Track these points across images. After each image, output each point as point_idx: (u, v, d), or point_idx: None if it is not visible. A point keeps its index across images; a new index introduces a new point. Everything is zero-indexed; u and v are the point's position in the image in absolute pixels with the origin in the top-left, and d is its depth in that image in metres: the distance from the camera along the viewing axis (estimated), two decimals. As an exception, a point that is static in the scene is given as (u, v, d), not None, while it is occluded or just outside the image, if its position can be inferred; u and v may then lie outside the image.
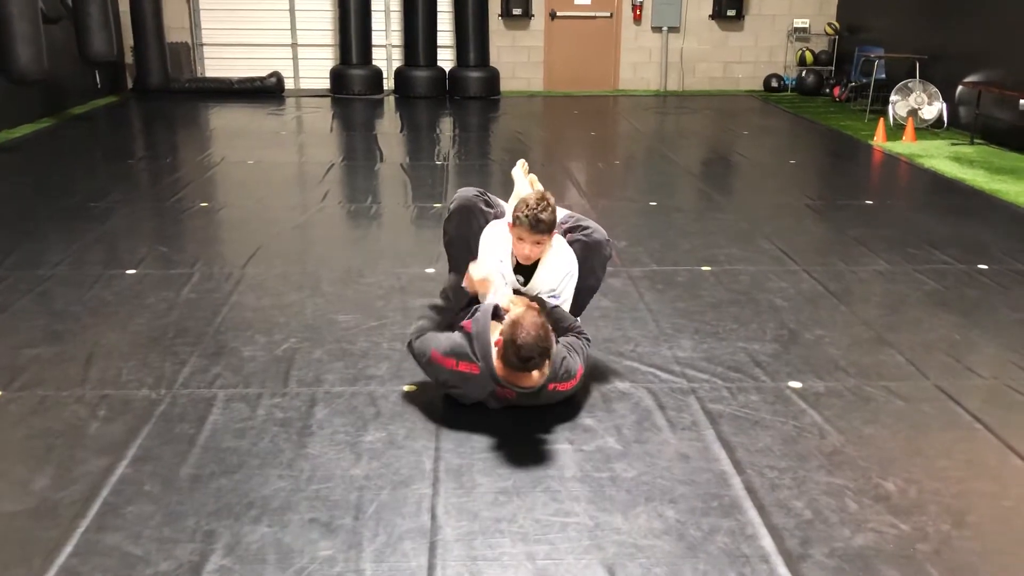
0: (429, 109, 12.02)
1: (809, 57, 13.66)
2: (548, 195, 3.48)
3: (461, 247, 3.74)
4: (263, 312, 4.50)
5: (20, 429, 3.33)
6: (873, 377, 3.82)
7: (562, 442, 3.26)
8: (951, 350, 4.10)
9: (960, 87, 10.06)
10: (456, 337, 3.30)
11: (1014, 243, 5.79)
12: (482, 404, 3.40)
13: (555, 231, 3.56)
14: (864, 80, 11.80)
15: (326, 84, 13.20)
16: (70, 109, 11.09)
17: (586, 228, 3.71)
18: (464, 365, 3.25)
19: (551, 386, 3.26)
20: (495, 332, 3.24)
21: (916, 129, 9.90)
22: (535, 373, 3.14)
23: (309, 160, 8.59)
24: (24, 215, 6.28)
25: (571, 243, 3.67)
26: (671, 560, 2.61)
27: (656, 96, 13.59)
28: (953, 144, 9.43)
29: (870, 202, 6.97)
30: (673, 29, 13.79)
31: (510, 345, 3.04)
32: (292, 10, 13.37)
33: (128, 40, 12.58)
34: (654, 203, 6.90)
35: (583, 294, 3.77)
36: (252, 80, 12.85)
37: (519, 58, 13.77)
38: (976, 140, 9.46)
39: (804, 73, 13.61)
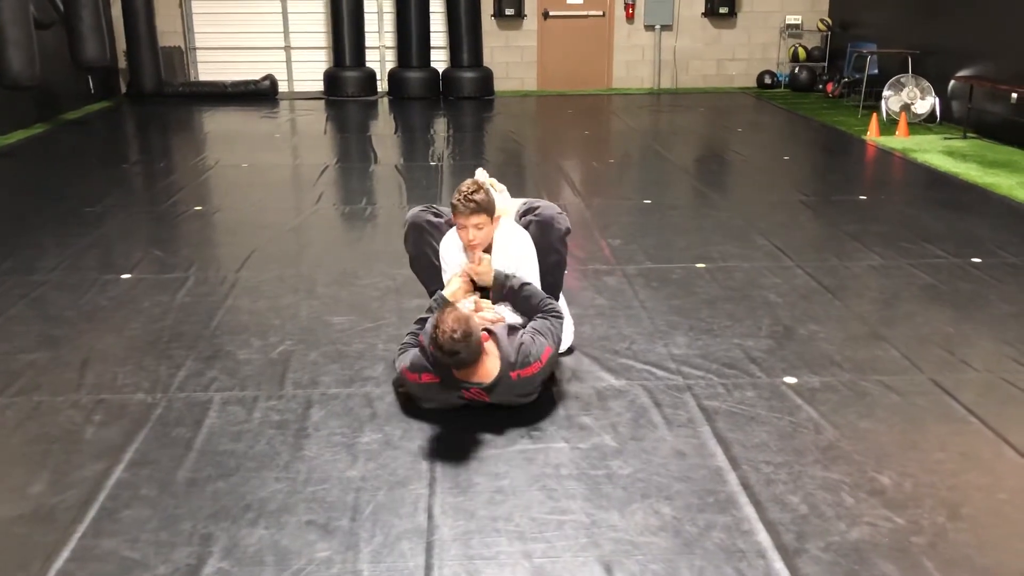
0: (423, 110, 12.02)
1: (802, 53, 13.67)
2: (480, 181, 3.59)
3: (423, 262, 3.89)
4: (258, 315, 4.50)
5: (16, 434, 3.33)
6: (868, 372, 3.83)
7: (558, 440, 3.26)
8: (945, 344, 4.11)
9: (952, 81, 10.08)
10: (416, 351, 3.36)
11: (1007, 236, 5.80)
12: (470, 406, 3.41)
13: (501, 217, 3.68)
14: (857, 76, 11.82)
15: (320, 86, 13.20)
16: (63, 114, 11.09)
17: (536, 208, 3.84)
18: (426, 376, 3.30)
19: (513, 374, 3.26)
20: None
21: (909, 124, 9.92)
22: (486, 364, 3.19)
23: (303, 163, 8.58)
24: (18, 220, 6.28)
25: (526, 226, 3.79)
26: (668, 557, 2.62)
27: (650, 94, 13.60)
28: (946, 138, 9.45)
29: (864, 197, 6.98)
30: (666, 27, 13.81)
31: (434, 346, 3.10)
32: (285, 13, 13.37)
33: (121, 45, 12.58)
34: (648, 201, 6.91)
35: (551, 272, 3.85)
36: (246, 83, 12.84)
37: (512, 58, 13.78)
38: (969, 134, 9.48)
39: (797, 69, 13.62)
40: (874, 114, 10.02)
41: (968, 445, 3.24)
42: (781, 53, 14.00)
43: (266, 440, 3.27)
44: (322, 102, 12.68)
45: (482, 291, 3.71)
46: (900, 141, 9.30)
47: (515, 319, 3.59)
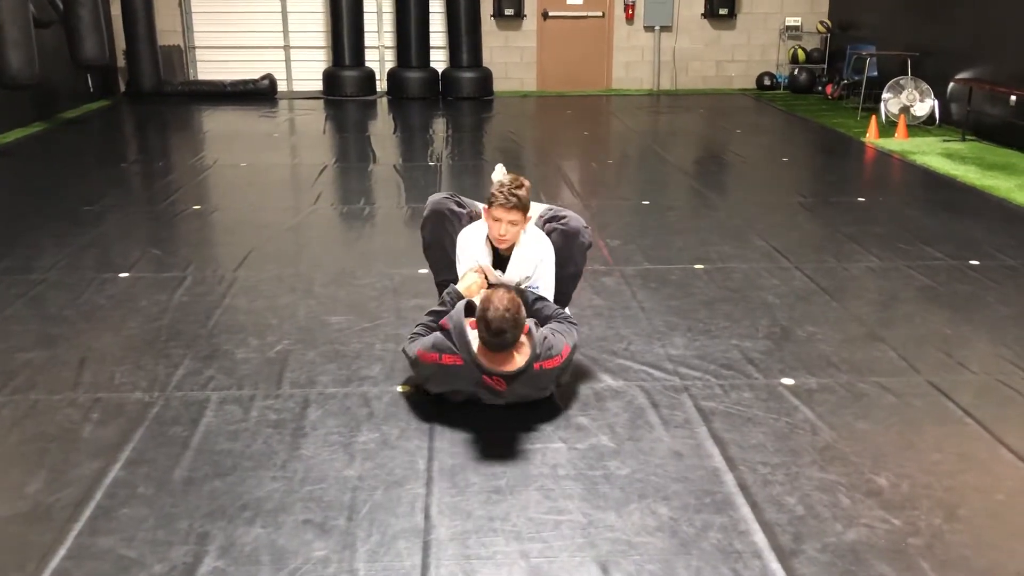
0: (422, 110, 12.02)
1: (801, 55, 13.68)
2: (522, 178, 3.57)
3: (438, 251, 3.86)
4: (256, 314, 4.50)
5: (13, 433, 3.33)
6: (865, 373, 3.83)
7: (555, 440, 3.26)
8: (943, 346, 4.12)
9: (951, 84, 10.09)
10: (438, 334, 3.34)
11: (1005, 239, 5.81)
12: (475, 401, 3.41)
13: (531, 219, 3.67)
14: (856, 77, 11.83)
15: (319, 86, 13.20)
16: (62, 113, 11.08)
17: (563, 217, 3.81)
18: (447, 358, 3.27)
19: (537, 365, 3.26)
20: (472, 329, 3.29)
21: (908, 126, 9.92)
22: (516, 355, 3.19)
23: (302, 162, 8.58)
24: (16, 219, 6.28)
25: (549, 233, 3.77)
26: (664, 557, 2.62)
27: (649, 95, 13.61)
28: (945, 140, 9.46)
29: (862, 199, 6.99)
30: (665, 28, 13.81)
31: (482, 322, 3.10)
32: (284, 12, 13.37)
33: (120, 44, 12.58)
34: (647, 202, 6.92)
35: (566, 282, 3.85)
36: (245, 83, 12.84)
37: (512, 58, 13.78)
38: (968, 136, 9.48)
39: (796, 71, 13.63)
40: (873, 116, 10.03)
41: (965, 447, 3.24)
42: (780, 55, 14.01)
43: (263, 439, 3.27)
44: (321, 102, 12.68)
45: (493, 287, 3.70)
46: (899, 143, 9.31)
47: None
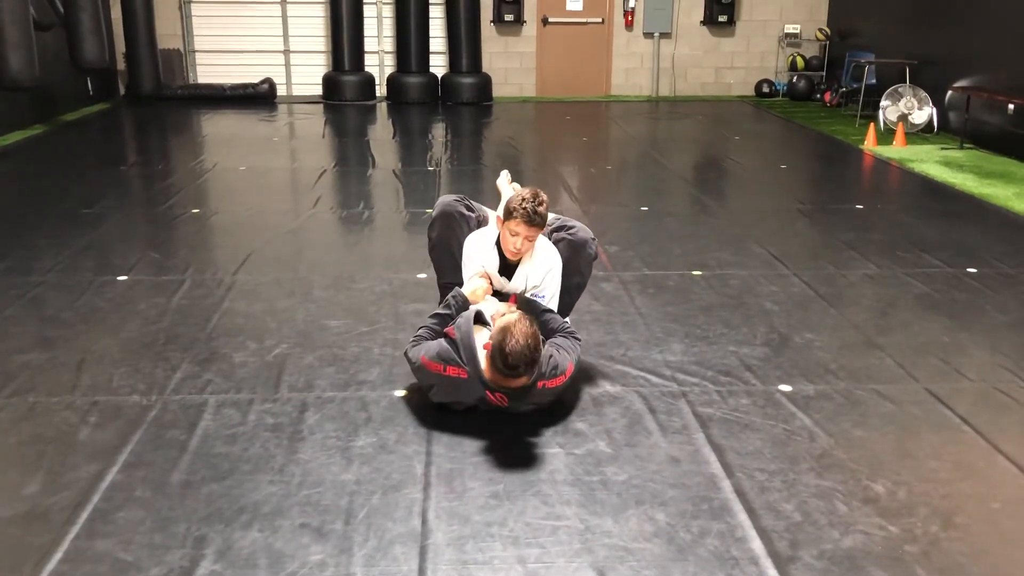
0: (421, 115, 12.04)
1: (800, 62, 13.71)
2: (541, 193, 3.55)
3: (444, 253, 3.84)
4: (255, 318, 4.50)
5: (11, 436, 3.32)
6: (863, 380, 3.83)
7: (553, 446, 3.26)
8: (940, 353, 4.12)
9: (950, 92, 10.11)
10: (443, 343, 3.32)
11: (1003, 246, 5.82)
12: (474, 407, 3.41)
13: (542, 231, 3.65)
14: (855, 85, 11.85)
15: (318, 90, 13.21)
16: (62, 116, 11.08)
17: (571, 228, 3.81)
18: (452, 369, 3.26)
19: (540, 384, 3.27)
20: (478, 334, 3.28)
21: (906, 134, 9.95)
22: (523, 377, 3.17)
23: (301, 166, 8.59)
24: (15, 222, 6.28)
25: (556, 242, 3.76)
26: (661, 563, 2.62)
27: (648, 102, 13.63)
28: (943, 148, 9.48)
29: (860, 206, 7.00)
30: (665, 35, 13.84)
31: (498, 352, 3.06)
32: (284, 17, 13.39)
33: (120, 47, 12.59)
34: (645, 208, 6.92)
35: (570, 292, 3.85)
36: (244, 86, 12.84)
37: (511, 64, 13.80)
38: (966, 144, 9.51)
39: (795, 78, 13.66)
40: (871, 124, 10.05)
41: (962, 454, 3.25)
42: (779, 62, 14.04)
43: (261, 443, 3.27)
44: (321, 106, 12.69)
45: (498, 295, 3.71)
46: (897, 151, 9.33)
47: None
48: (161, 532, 2.74)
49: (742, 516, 2.84)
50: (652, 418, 3.48)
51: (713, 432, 3.37)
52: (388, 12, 13.33)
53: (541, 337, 3.23)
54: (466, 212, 3.82)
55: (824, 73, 13.58)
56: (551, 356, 3.32)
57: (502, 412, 3.37)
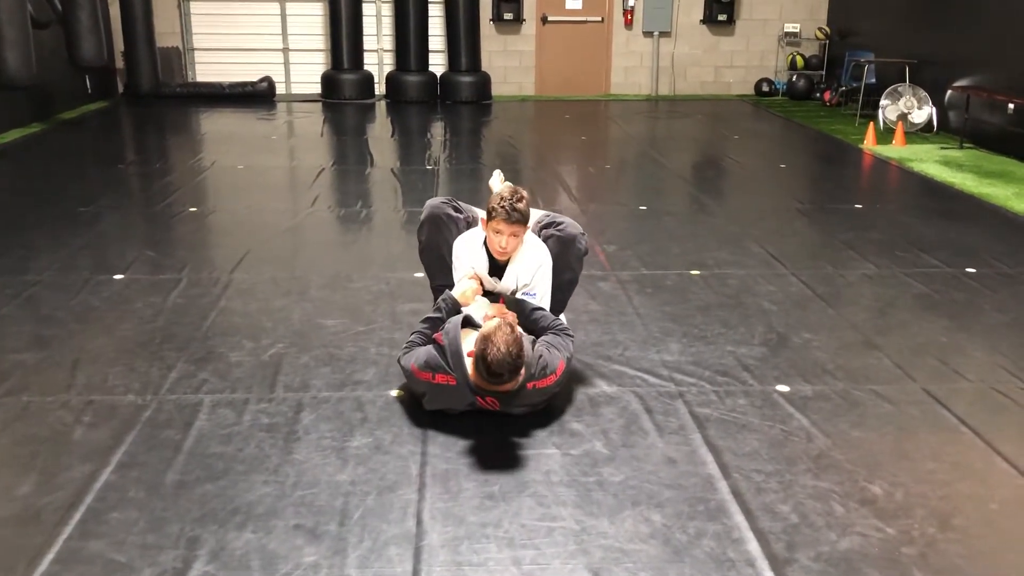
0: (420, 113, 12.02)
1: (800, 62, 13.70)
2: (521, 189, 3.57)
3: (434, 256, 3.85)
4: (251, 317, 4.49)
5: (4, 435, 3.31)
6: (861, 381, 3.82)
7: (549, 446, 3.25)
8: (939, 353, 4.11)
9: (949, 91, 10.09)
10: (431, 350, 3.31)
11: (1002, 246, 5.81)
12: (471, 412, 3.39)
13: (529, 228, 3.65)
14: (854, 84, 11.84)
15: (317, 89, 13.19)
16: (60, 114, 11.06)
17: (559, 224, 3.80)
18: (441, 377, 3.25)
19: (530, 385, 3.25)
20: (467, 338, 3.27)
21: (906, 133, 9.93)
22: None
23: (299, 164, 8.57)
24: (12, 220, 6.26)
25: (545, 239, 3.76)
26: (657, 564, 2.60)
27: (647, 100, 13.61)
28: (942, 148, 9.47)
29: (859, 206, 6.98)
30: (664, 34, 13.82)
31: (480, 360, 3.06)
32: (283, 15, 13.37)
33: (119, 45, 12.57)
34: (644, 207, 6.91)
35: (562, 289, 3.84)
36: (243, 85, 12.83)
37: (510, 62, 13.79)
38: (965, 144, 9.49)
39: (795, 77, 13.64)
40: (871, 123, 10.04)
41: (960, 455, 3.24)
42: (779, 61, 14.03)
43: (255, 443, 3.25)
44: (319, 104, 12.67)
45: (489, 295, 3.70)
46: (897, 150, 9.32)
47: None
48: (154, 533, 2.73)
49: (739, 517, 2.83)
50: (649, 418, 3.46)
51: (710, 433, 3.36)
52: (387, 10, 13.31)
53: (527, 340, 3.22)
54: (454, 214, 3.82)
55: (824, 72, 13.57)
56: (541, 356, 3.30)
57: (497, 414, 3.35)
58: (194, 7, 13.26)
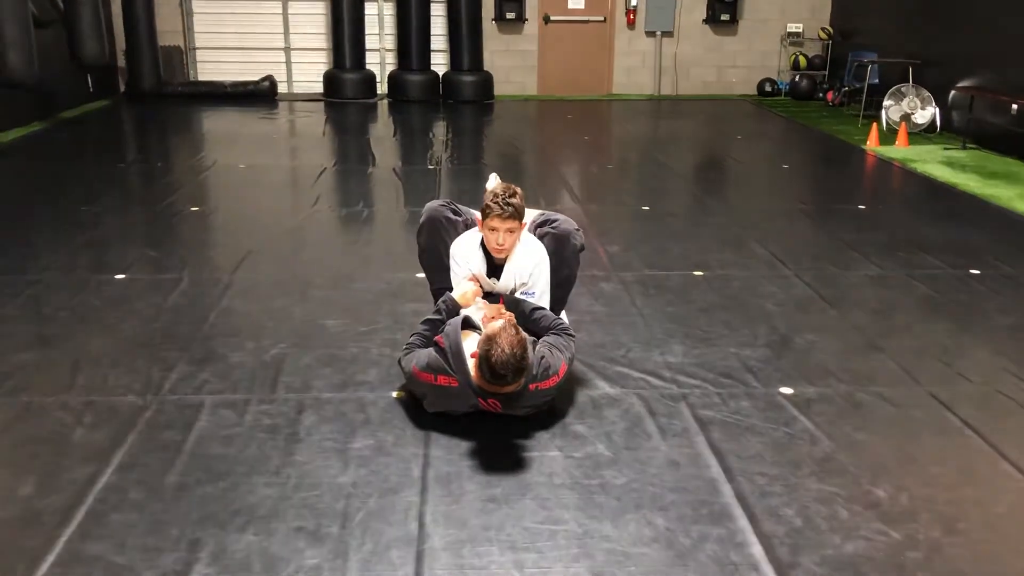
0: (422, 113, 12.00)
1: (803, 62, 13.67)
2: (514, 186, 3.57)
3: (433, 259, 3.85)
4: (252, 317, 4.47)
5: (4, 436, 3.29)
6: (865, 383, 3.80)
7: (551, 449, 3.23)
8: (943, 355, 4.09)
9: (953, 92, 10.07)
10: (433, 352, 3.30)
11: (1006, 247, 5.78)
12: (472, 414, 3.37)
13: (525, 227, 3.66)
14: (857, 85, 11.81)
15: (319, 88, 13.18)
16: (61, 113, 11.05)
17: (554, 221, 3.80)
18: (443, 378, 3.24)
19: (532, 386, 3.23)
20: (468, 339, 3.25)
21: (909, 134, 9.91)
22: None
23: (301, 164, 8.56)
24: (13, 219, 6.25)
25: (541, 237, 3.76)
26: (660, 568, 2.59)
27: (650, 100, 13.59)
28: (946, 148, 9.44)
29: (863, 207, 6.96)
30: (667, 33, 13.80)
31: (484, 361, 3.04)
32: (285, 14, 13.35)
33: (120, 43, 12.55)
34: (647, 208, 6.89)
35: (561, 286, 3.84)
36: (245, 84, 12.81)
37: (513, 62, 13.76)
38: (969, 145, 9.47)
39: (798, 78, 13.62)
40: (874, 123, 10.01)
41: (965, 459, 3.22)
42: (782, 61, 14.00)
43: (257, 444, 3.24)
44: (321, 104, 12.66)
45: (489, 296, 3.69)
46: (900, 151, 9.29)
47: None
48: (155, 535, 2.71)
49: (742, 521, 2.81)
50: (652, 421, 3.45)
51: (713, 435, 3.34)
52: (389, 9, 13.30)
53: (530, 341, 3.20)
54: (452, 216, 3.82)
55: (827, 72, 13.54)
56: (543, 357, 3.28)
57: (499, 415, 3.34)
58: (196, 6, 13.24)
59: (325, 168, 8.24)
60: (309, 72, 13.44)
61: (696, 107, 12.83)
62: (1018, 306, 4.74)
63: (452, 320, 3.36)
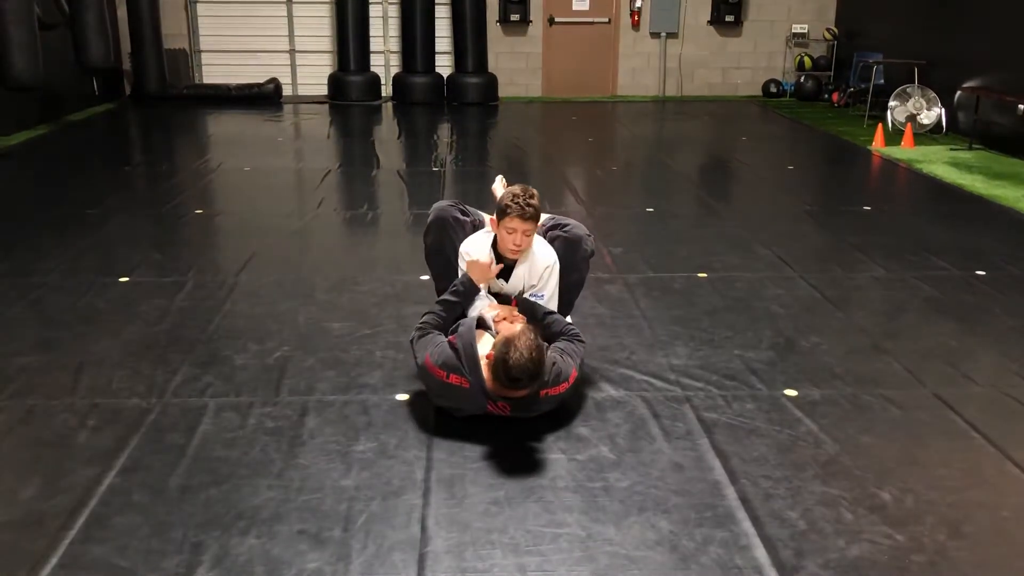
0: (427, 115, 12.01)
1: (808, 62, 13.65)
2: (532, 188, 3.56)
3: (440, 259, 3.83)
4: (256, 320, 4.47)
5: (9, 439, 3.30)
6: (869, 385, 3.79)
7: (555, 451, 3.23)
8: (948, 357, 4.07)
9: (959, 92, 10.04)
10: (448, 350, 3.28)
11: (1012, 249, 5.76)
12: (479, 416, 3.36)
13: (537, 229, 3.64)
14: (863, 85, 11.79)
15: (324, 90, 13.19)
16: (67, 116, 11.08)
17: (565, 225, 3.79)
18: (455, 378, 3.23)
19: (543, 392, 3.22)
20: (481, 340, 3.24)
21: (915, 134, 9.88)
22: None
23: (306, 167, 8.57)
24: (19, 222, 6.26)
25: (551, 241, 3.74)
26: (664, 571, 2.58)
27: (654, 102, 13.58)
28: (952, 149, 9.41)
29: (868, 208, 6.94)
30: (671, 35, 13.79)
31: (501, 364, 3.03)
32: (290, 17, 13.37)
33: (126, 46, 12.57)
34: (651, 209, 6.88)
35: (569, 290, 3.83)
36: (250, 87, 12.84)
37: (517, 64, 13.76)
38: (975, 145, 9.44)
39: (803, 79, 13.60)
40: (880, 124, 9.99)
41: (971, 461, 3.20)
42: (787, 62, 13.98)
43: (260, 447, 3.24)
44: (326, 106, 12.67)
45: (498, 297, 3.68)
46: (905, 152, 9.27)
47: None
48: (158, 538, 2.71)
49: (746, 524, 2.80)
50: (656, 423, 3.44)
51: (717, 438, 3.33)
52: (394, 12, 13.31)
53: (545, 346, 3.19)
54: (461, 217, 3.80)
55: (832, 73, 13.51)
56: (555, 363, 3.27)
57: (502, 418, 3.33)
58: (201, 9, 13.28)
59: (329, 170, 8.25)
60: (314, 75, 13.45)
61: (701, 108, 12.82)
62: (1024, 308, 4.72)
63: (466, 320, 3.35)
